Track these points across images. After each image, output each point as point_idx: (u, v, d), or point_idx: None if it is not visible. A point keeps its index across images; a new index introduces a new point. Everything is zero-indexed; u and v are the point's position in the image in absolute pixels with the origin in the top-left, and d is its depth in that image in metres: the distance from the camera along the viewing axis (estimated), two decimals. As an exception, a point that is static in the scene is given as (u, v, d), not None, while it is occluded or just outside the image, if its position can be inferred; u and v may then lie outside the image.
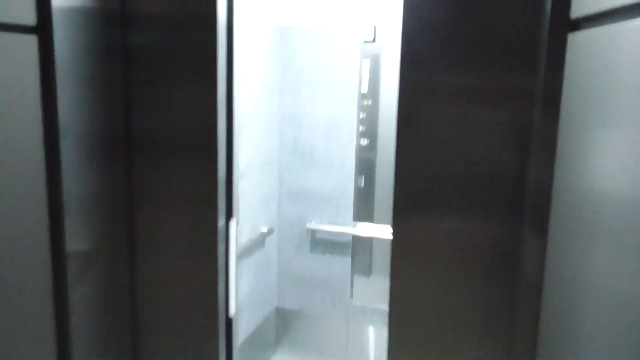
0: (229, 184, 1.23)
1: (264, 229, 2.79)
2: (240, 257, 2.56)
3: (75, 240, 1.13)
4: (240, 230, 2.54)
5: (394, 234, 0.97)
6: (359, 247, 3.15)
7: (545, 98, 0.80)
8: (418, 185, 0.97)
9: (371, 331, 3.02)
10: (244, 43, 2.42)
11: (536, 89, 0.82)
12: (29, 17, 0.98)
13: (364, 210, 4.01)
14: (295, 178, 2.91)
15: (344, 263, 2.97)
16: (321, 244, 2.97)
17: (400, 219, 0.98)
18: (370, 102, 4.12)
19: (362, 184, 3.53)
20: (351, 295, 3.03)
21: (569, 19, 0.75)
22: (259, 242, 2.75)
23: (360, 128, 3.05)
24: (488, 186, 0.92)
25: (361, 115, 3.02)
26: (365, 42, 2.98)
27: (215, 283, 1.23)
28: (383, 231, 2.93)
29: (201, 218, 1.20)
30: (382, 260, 4.17)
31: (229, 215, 1.24)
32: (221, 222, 1.21)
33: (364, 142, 4.06)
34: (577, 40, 0.73)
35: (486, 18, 0.87)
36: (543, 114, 0.80)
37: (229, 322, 1.31)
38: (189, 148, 1.19)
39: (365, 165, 4.07)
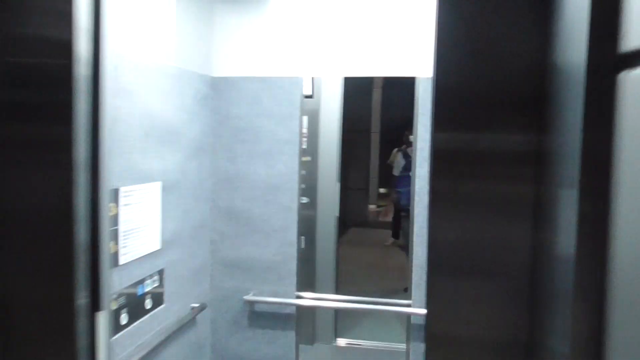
0: (95, 269, 0.92)
1: (195, 305, 2.42)
2: (167, 341, 2.18)
3: None
4: (167, 309, 2.18)
5: (428, 309, 0.76)
6: (301, 316, 2.83)
7: (589, 160, 0.57)
8: (452, 260, 0.75)
9: (320, 417, 2.66)
10: (168, 96, 2.15)
11: (573, 151, 0.60)
12: None
13: (305, 275, 3.71)
14: (231, 245, 2.59)
15: (287, 337, 2.64)
16: (261, 317, 2.63)
17: (434, 293, 0.75)
18: (309, 159, 3.94)
19: (303, 244, 3.27)
20: (296, 375, 2.68)
21: (616, 54, 0.55)
22: (189, 320, 2.37)
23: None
24: (526, 265, 0.71)
25: (302, 172, 2.80)
26: (305, 97, 2.81)
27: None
28: (328, 302, 2.64)
29: (60, 313, 0.89)
30: (325, 327, 3.87)
31: (95, 306, 0.93)
32: (82, 315, 0.89)
33: (304, 200, 3.83)
34: (631, 81, 0.52)
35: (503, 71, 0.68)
36: (588, 180, 0.58)
37: None
38: (48, 226, 0.89)
39: (306, 225, 3.82)
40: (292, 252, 2.52)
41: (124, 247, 1.83)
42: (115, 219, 1.78)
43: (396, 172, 4.64)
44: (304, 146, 3.71)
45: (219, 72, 2.54)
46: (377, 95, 8.44)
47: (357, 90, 7.78)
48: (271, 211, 2.53)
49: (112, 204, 1.75)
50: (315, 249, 3.92)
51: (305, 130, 3.65)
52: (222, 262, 2.60)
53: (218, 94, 2.54)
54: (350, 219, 8.28)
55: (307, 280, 3.68)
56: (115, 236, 1.78)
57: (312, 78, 3.54)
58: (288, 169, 2.50)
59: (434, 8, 0.75)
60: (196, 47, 2.39)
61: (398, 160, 4.64)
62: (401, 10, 2.36)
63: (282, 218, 2.52)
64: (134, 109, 1.87)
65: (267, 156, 2.51)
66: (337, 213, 3.93)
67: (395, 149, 5.00)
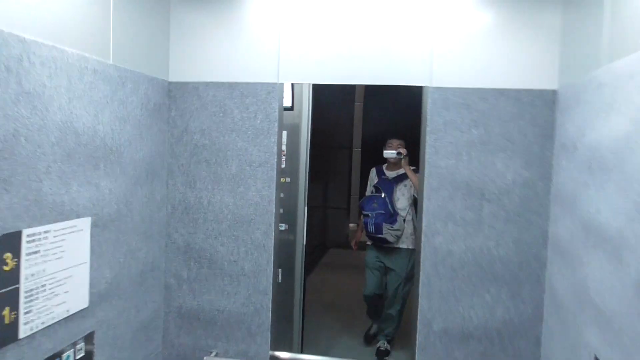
0: None
1: (141, 371, 1.89)
2: None
3: None
4: (99, 383, 1.64)
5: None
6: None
7: None
8: None
9: None
10: (105, 104, 1.64)
11: None
12: None
13: (283, 319, 3.19)
14: (190, 292, 2.07)
15: (258, 402, 2.11)
16: (226, 380, 2.10)
17: None
18: (288, 180, 3.44)
19: (280, 278, 2.77)
20: None
21: None
22: (131, 392, 1.84)
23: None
24: None
25: (280, 195, 2.33)
26: (285, 110, 2.34)
27: None
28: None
29: None
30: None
31: None
32: None
33: (282, 227, 3.32)
34: None
35: None
36: None
37: None
38: None
39: (284, 254, 3.30)
40: (265, 302, 2.02)
41: (28, 312, 1.30)
42: (13, 275, 1.25)
43: (368, 191, 3.88)
44: (283, 165, 3.23)
45: (177, 75, 2.05)
46: (358, 110, 8.03)
47: (338, 105, 7.35)
48: (241, 250, 2.02)
49: (7, 254, 1.23)
50: (294, 283, 3.41)
51: (284, 148, 3.17)
52: (178, 313, 2.08)
53: (175, 103, 2.04)
54: (330, 239, 7.79)
55: (284, 333, 3.14)
56: (13, 299, 1.26)
57: (292, 87, 3.07)
58: (262, 198, 2.00)
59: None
60: (146, 43, 1.89)
61: (372, 178, 3.88)
62: (399, 12, 1.91)
63: (255, 259, 2.01)
64: (48, 120, 1.35)
65: (236, 181, 2.01)
66: (304, 241, 3.38)
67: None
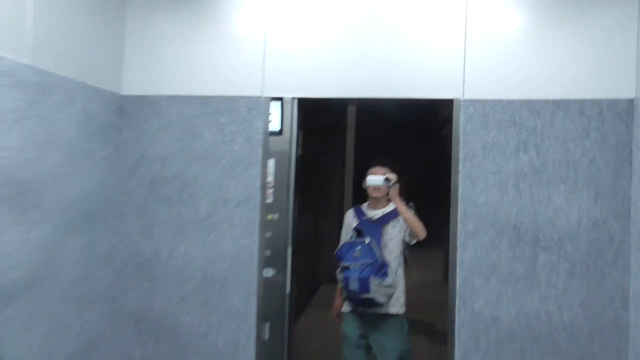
0: None
1: None
2: None
3: None
4: None
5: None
6: None
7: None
8: None
9: None
10: (15, 120, 1.15)
11: None
12: None
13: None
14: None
15: None
16: None
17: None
18: (276, 217, 2.92)
19: (267, 335, 2.25)
20: None
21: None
22: None
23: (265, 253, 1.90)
24: None
25: (267, 234, 1.89)
26: (271, 133, 1.87)
27: None
28: None
29: None
30: None
31: None
32: None
33: (269, 272, 2.80)
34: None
35: None
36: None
37: None
38: None
39: (272, 301, 2.75)
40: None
41: None
42: None
43: (343, 239, 2.38)
44: (269, 200, 2.72)
45: (132, 87, 1.58)
46: (350, 135, 7.62)
47: (330, 130, 6.94)
48: (211, 320, 1.52)
49: None
50: (283, 340, 2.86)
51: (271, 179, 2.67)
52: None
53: (128, 123, 1.56)
54: (322, 274, 7.28)
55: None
56: None
57: (282, 106, 2.60)
58: (241, 249, 1.52)
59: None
60: (89, 43, 1.42)
61: (348, 222, 2.38)
62: (419, 5, 1.48)
63: (231, 332, 1.52)
64: None
65: (205, 227, 1.53)
66: (288, 289, 2.61)
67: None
